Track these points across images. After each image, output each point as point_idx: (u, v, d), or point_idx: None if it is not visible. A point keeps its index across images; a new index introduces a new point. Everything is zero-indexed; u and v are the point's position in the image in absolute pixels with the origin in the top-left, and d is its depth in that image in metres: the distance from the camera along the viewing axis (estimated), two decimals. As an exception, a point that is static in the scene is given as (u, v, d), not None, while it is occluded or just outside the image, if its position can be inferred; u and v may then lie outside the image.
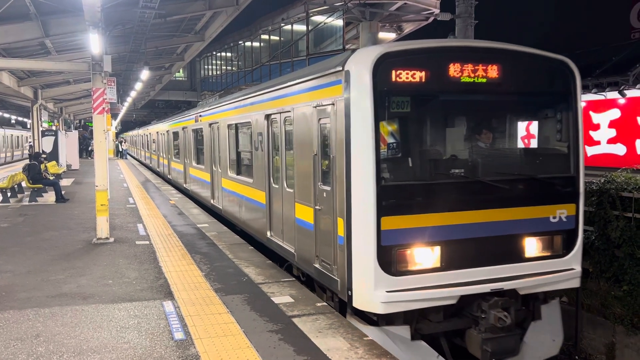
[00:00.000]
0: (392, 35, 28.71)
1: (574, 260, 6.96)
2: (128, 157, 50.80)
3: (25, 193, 19.00)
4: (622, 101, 18.87)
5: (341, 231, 6.43)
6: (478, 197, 6.51)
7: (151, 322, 6.29)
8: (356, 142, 6.11)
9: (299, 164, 7.88)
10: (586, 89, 18.58)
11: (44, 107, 31.32)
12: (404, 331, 6.32)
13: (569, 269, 6.91)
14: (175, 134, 20.93)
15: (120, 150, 50.97)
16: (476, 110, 7.03)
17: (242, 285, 7.75)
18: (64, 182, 23.30)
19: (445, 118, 7.10)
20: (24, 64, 17.29)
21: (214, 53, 46.68)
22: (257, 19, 35.86)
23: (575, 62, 7.03)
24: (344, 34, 26.90)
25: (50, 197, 17.97)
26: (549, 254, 6.85)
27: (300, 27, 30.71)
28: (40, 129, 29.29)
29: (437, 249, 6.28)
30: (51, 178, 19.85)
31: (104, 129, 11.59)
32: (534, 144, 7.49)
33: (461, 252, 6.36)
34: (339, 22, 26.39)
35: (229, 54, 44.22)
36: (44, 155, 22.01)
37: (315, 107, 7.12)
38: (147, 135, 35.20)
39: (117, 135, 62.21)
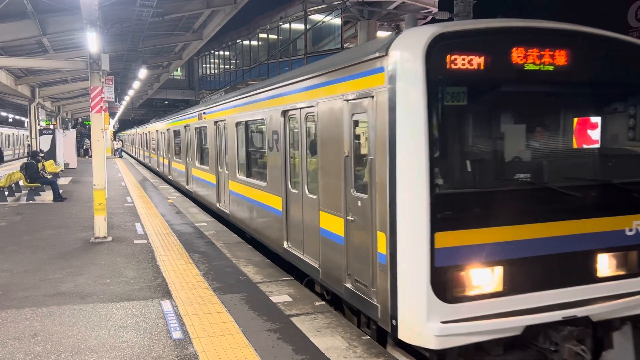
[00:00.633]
0: (390, 35, 28.66)
1: None
2: (124, 155, 50.87)
3: (23, 192, 18.97)
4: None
5: (382, 248, 5.49)
6: (546, 207, 5.52)
7: (149, 322, 6.28)
8: (404, 141, 5.17)
9: (325, 167, 6.91)
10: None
11: (41, 105, 31.27)
12: None
13: None
14: (177, 133, 20.18)
15: (116, 148, 51.04)
16: (542, 103, 5.95)
17: (240, 284, 7.74)
18: (62, 181, 23.26)
19: (507, 113, 6.01)
20: (21, 63, 17.29)
21: (212, 52, 46.70)
22: (255, 18, 35.93)
23: None
24: (342, 32, 26.92)
25: (47, 196, 17.93)
26: (624, 272, 5.87)
27: (299, 26, 30.73)
28: (38, 127, 29.25)
29: (499, 270, 5.31)
30: (49, 177, 19.81)
31: (101, 128, 11.58)
32: (609, 143, 6.28)
33: (526, 272, 5.41)
34: (337, 21, 26.40)
35: (227, 53, 44.26)
36: (41, 154, 21.96)
37: (348, 100, 6.17)
38: (146, 133, 34.54)
39: (115, 134, 62.20)
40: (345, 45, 26.85)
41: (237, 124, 11.34)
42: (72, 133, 35.04)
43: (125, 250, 10.02)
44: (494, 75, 5.35)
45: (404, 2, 23.15)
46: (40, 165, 19.06)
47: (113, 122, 50.02)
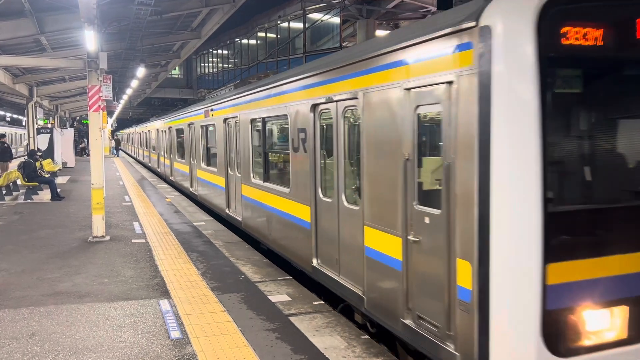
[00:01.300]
0: (389, 34, 28.66)
1: None
2: (121, 153, 50.95)
3: (21, 191, 18.91)
4: None
5: (465, 281, 4.26)
6: None
7: (147, 321, 6.26)
8: (503, 141, 3.93)
9: (373, 172, 5.69)
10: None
11: (39, 104, 31.19)
12: None
13: None
14: (180, 131, 19.10)
15: (112, 147, 51.12)
16: None
17: (238, 284, 7.72)
18: (60, 180, 23.21)
19: (633, 103, 4.65)
20: (19, 61, 17.23)
21: (211, 50, 46.68)
22: (254, 17, 35.89)
23: None
24: (340, 31, 26.88)
25: (45, 195, 17.90)
26: None
27: (297, 25, 30.70)
28: (36, 126, 29.19)
29: (623, 311, 4.16)
30: (46, 176, 19.77)
31: (99, 127, 11.54)
32: None
33: None
34: (336, 20, 26.37)
35: (225, 52, 44.22)
36: (39, 153, 21.92)
37: (409, 89, 4.96)
38: (146, 132, 33.88)
39: (113, 133, 62.20)
40: (344, 44, 26.82)
41: (253, 120, 10.15)
42: (70, 132, 34.99)
43: (124, 250, 9.99)
44: (615, 54, 4.16)
45: (402, 1, 23.14)
46: (38, 164, 19.03)
47: (111, 121, 50.01)
